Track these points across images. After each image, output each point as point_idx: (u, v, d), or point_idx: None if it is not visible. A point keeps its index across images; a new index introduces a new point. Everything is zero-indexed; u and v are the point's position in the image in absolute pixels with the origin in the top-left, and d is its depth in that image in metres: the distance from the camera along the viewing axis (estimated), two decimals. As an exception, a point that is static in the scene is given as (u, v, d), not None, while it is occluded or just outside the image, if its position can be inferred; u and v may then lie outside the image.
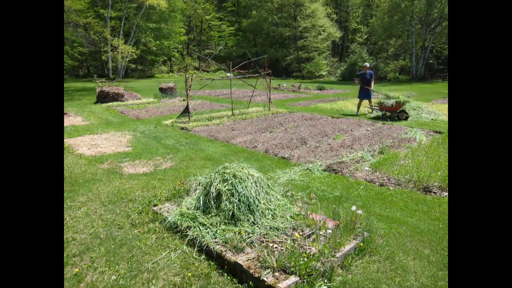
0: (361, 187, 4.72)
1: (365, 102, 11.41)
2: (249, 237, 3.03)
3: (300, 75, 34.10)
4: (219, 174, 3.51)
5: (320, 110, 12.11)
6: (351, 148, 6.67)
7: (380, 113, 10.57)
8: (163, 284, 2.72)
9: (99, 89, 14.68)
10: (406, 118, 9.88)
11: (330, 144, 7.03)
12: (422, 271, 2.88)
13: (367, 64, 11.42)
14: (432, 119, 9.90)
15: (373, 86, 11.05)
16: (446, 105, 12.56)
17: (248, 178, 3.44)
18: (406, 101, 10.10)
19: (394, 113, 10.03)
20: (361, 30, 41.58)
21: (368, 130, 8.53)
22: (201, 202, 3.46)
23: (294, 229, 3.22)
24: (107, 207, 4.12)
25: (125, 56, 28.39)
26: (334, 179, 5.03)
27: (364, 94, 11.03)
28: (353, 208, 3.39)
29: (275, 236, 3.08)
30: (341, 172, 5.36)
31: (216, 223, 3.22)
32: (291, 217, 3.40)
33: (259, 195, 3.40)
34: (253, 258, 2.78)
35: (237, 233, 3.06)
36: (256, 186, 3.45)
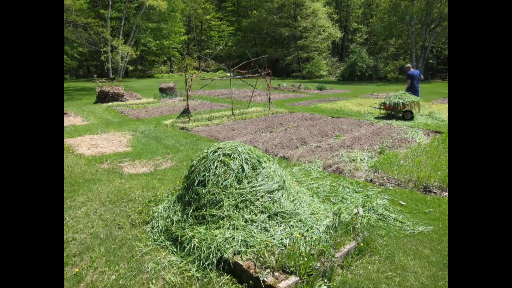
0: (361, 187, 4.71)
1: (372, 102, 11.43)
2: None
3: (300, 75, 34.09)
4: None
5: (320, 110, 12.10)
6: (351, 148, 6.67)
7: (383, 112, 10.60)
8: (163, 284, 2.72)
9: (99, 89, 14.68)
10: (412, 118, 9.86)
11: (330, 144, 7.03)
12: (422, 271, 2.88)
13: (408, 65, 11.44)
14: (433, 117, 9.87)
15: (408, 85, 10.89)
16: (446, 105, 12.56)
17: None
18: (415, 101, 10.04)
19: (399, 113, 10.03)
20: (361, 30, 41.57)
21: (368, 130, 8.53)
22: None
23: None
24: (107, 207, 4.12)
25: (124, 56, 28.37)
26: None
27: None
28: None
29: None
30: (341, 172, 5.36)
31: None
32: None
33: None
34: (253, 258, 2.78)
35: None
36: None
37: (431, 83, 26.15)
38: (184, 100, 14.17)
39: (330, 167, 5.59)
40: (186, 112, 10.12)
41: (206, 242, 2.94)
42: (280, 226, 3.12)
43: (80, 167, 5.75)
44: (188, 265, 2.88)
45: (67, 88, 20.98)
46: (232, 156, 3.41)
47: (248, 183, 3.28)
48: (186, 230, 3.17)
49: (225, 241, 2.92)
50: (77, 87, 22.13)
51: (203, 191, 3.28)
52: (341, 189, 4.58)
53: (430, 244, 3.29)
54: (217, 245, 2.89)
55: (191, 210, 3.29)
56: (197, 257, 2.91)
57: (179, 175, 5.20)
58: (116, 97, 14.50)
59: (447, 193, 4.47)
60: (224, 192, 3.23)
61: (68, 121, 10.30)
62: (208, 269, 2.80)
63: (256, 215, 3.13)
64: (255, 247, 2.87)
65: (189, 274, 2.79)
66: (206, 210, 3.21)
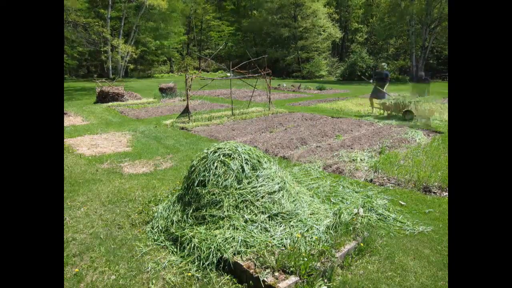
0: (361, 187, 4.71)
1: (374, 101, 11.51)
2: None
3: (300, 75, 34.09)
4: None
5: (320, 110, 12.11)
6: (351, 148, 6.67)
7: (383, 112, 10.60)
8: (163, 284, 2.72)
9: (99, 89, 14.67)
10: (411, 118, 9.86)
11: (330, 144, 7.03)
12: (422, 271, 2.88)
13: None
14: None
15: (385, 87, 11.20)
16: (446, 105, 12.54)
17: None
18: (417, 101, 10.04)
19: (399, 113, 10.04)
20: (361, 30, 41.56)
21: (368, 130, 8.53)
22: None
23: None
24: (107, 207, 4.12)
25: (124, 56, 28.36)
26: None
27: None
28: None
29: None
30: (341, 172, 5.36)
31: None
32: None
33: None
34: (253, 258, 2.78)
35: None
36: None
37: (431, 83, 26.13)
38: (184, 100, 14.16)
39: (330, 167, 5.59)
40: (186, 112, 10.12)
41: (206, 242, 2.94)
42: (280, 226, 3.12)
43: (80, 167, 5.75)
44: (188, 265, 2.89)
45: (67, 88, 20.97)
46: (232, 156, 3.41)
47: (248, 183, 3.28)
48: (186, 230, 3.17)
49: (225, 241, 2.92)
50: (77, 87, 22.12)
51: (203, 191, 3.28)
52: (341, 189, 4.58)
53: (430, 244, 3.29)
54: (217, 245, 2.89)
55: (191, 210, 3.29)
56: (197, 257, 2.91)
57: (179, 175, 5.20)
58: (116, 97, 14.49)
59: (447, 193, 4.47)
60: (224, 193, 3.23)
61: (68, 121, 10.30)
62: (208, 269, 2.80)
63: (256, 216, 3.13)
64: (255, 247, 2.87)
65: (189, 274, 2.79)
66: (206, 210, 3.21)
